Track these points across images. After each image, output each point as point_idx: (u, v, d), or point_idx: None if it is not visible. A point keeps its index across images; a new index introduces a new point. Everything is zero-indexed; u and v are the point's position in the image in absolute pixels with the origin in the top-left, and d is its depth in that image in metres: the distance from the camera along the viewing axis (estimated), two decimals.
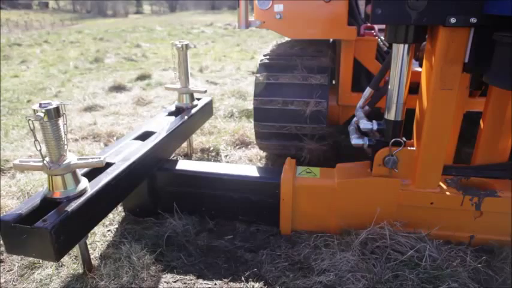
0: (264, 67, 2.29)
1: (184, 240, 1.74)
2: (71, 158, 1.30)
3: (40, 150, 1.18)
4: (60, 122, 1.25)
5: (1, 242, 1.60)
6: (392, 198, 1.65)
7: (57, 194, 1.29)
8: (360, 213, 1.68)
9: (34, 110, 1.19)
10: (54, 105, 1.21)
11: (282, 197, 1.73)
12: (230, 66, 7.21)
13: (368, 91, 1.92)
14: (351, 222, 1.70)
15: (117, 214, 1.98)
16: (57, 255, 1.19)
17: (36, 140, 1.18)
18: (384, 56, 2.22)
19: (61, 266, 1.58)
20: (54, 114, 1.21)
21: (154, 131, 1.99)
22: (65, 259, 1.61)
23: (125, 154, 1.68)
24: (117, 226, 1.89)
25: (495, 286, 1.45)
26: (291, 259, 1.62)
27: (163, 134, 1.94)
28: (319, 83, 2.15)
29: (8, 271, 1.56)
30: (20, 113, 4.06)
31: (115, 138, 3.17)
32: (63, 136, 1.27)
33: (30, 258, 1.60)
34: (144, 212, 1.94)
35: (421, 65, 1.67)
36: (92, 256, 1.56)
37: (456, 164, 1.85)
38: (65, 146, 1.28)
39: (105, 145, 3.04)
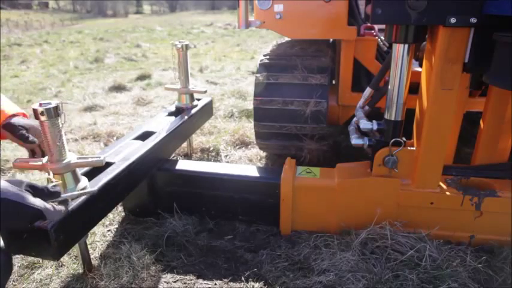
0: (264, 67, 2.29)
1: (184, 240, 1.74)
2: (70, 157, 1.30)
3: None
4: (59, 121, 1.25)
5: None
6: (392, 198, 1.65)
7: None
8: (360, 213, 1.68)
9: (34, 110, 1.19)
10: (53, 105, 1.21)
11: (282, 197, 1.73)
12: (230, 66, 7.21)
13: (368, 91, 1.92)
14: (351, 222, 1.70)
15: (117, 214, 1.98)
16: (57, 254, 1.19)
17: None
18: (384, 56, 2.22)
19: (61, 266, 1.58)
20: (54, 113, 1.21)
21: (154, 131, 1.99)
22: (65, 259, 1.61)
23: (124, 154, 1.68)
24: (117, 226, 1.89)
25: (495, 286, 1.45)
26: (291, 259, 1.62)
27: (163, 134, 1.94)
28: (319, 83, 2.15)
29: None
30: None
31: (115, 138, 3.17)
32: (62, 135, 1.27)
33: (30, 258, 1.61)
34: (144, 212, 1.94)
35: (421, 65, 1.67)
36: (92, 256, 1.56)
37: (456, 164, 1.85)
38: (65, 145, 1.28)
39: (105, 145, 3.04)
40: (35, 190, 1.11)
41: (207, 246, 1.73)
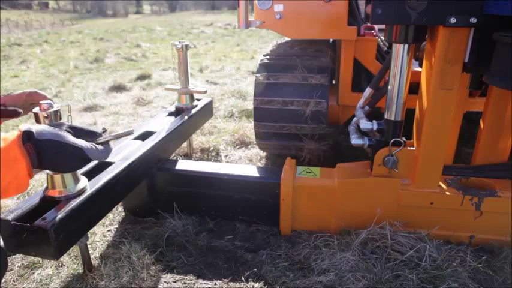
0: (264, 67, 2.29)
1: (184, 240, 1.74)
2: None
3: None
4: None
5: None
6: (392, 198, 1.65)
7: (57, 193, 1.29)
8: (360, 213, 1.68)
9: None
10: (55, 108, 1.22)
11: (282, 197, 1.73)
12: (230, 66, 7.21)
13: (368, 91, 1.92)
14: (351, 222, 1.70)
15: (117, 214, 1.98)
16: (57, 253, 1.19)
17: None
18: (384, 56, 2.22)
19: (61, 266, 1.58)
20: (54, 117, 1.22)
21: (154, 131, 1.99)
22: (65, 259, 1.61)
23: (124, 153, 1.68)
24: (117, 226, 1.89)
25: (495, 286, 1.45)
26: (291, 259, 1.62)
27: (163, 134, 1.95)
28: (319, 83, 2.15)
29: (8, 271, 1.56)
30: None
31: None
32: None
33: (30, 258, 1.61)
34: (144, 212, 1.94)
35: (421, 65, 1.67)
36: (92, 256, 1.56)
37: (456, 164, 1.86)
38: None
39: None
40: (75, 131, 1.13)
41: (207, 246, 1.73)
